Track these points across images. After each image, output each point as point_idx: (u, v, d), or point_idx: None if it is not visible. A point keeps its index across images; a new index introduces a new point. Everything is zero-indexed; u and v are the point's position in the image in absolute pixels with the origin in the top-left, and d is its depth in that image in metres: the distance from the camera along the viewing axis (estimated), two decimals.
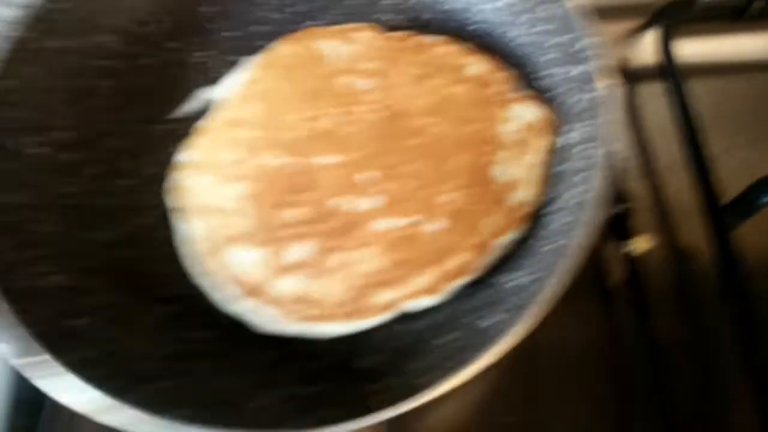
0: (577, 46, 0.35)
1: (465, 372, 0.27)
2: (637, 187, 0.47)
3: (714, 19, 0.53)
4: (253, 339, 0.34)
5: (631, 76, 0.53)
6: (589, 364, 0.41)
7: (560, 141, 0.37)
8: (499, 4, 0.41)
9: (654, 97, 0.51)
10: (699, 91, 0.51)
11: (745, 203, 0.41)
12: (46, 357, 0.30)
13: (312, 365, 0.33)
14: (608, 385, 0.40)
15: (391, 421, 0.27)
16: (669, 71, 0.49)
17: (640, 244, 0.42)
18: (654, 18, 0.53)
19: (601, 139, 0.32)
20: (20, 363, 0.29)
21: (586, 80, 0.35)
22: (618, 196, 0.42)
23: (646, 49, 0.54)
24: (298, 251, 0.33)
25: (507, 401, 0.39)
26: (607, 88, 0.33)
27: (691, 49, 0.52)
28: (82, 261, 0.36)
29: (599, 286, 0.43)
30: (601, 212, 0.30)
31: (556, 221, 0.34)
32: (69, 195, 0.38)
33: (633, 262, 0.42)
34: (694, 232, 0.45)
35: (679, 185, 0.47)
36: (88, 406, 0.28)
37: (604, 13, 0.56)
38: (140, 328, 0.34)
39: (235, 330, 0.34)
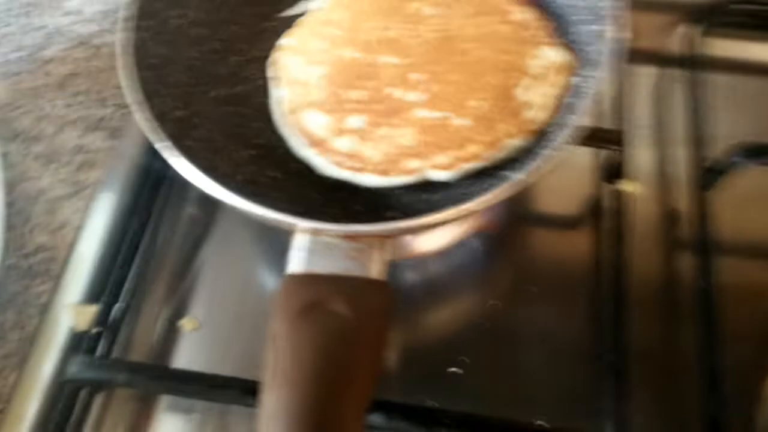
0: (602, 4, 0.45)
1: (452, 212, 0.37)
2: (642, 147, 0.56)
3: (746, 27, 0.61)
4: (312, 184, 0.46)
5: (664, 60, 0.62)
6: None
7: (575, 81, 0.46)
8: None
9: (679, 81, 0.60)
10: (718, 82, 0.59)
11: (718, 165, 0.49)
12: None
13: (353, 207, 0.44)
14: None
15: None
16: (691, 62, 0.58)
17: (629, 186, 0.51)
18: (691, 15, 0.61)
19: (598, 78, 0.42)
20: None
21: (602, 37, 0.44)
22: (615, 139, 0.51)
23: (681, 39, 0.62)
24: (354, 121, 0.44)
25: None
26: (615, 40, 0.42)
27: (719, 46, 0.60)
28: (196, 106, 0.48)
29: (594, 220, 0.53)
30: (578, 129, 0.40)
31: (556, 137, 0.44)
32: (193, 58, 0.50)
33: (620, 200, 0.51)
34: (682, 194, 0.53)
35: (679, 155, 0.56)
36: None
37: (651, 6, 0.65)
38: (228, 158, 0.46)
39: (300, 174, 0.46)
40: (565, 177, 0.55)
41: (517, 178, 0.38)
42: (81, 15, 0.66)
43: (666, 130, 0.58)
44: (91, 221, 0.54)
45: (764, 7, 0.62)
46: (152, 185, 0.55)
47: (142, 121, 0.41)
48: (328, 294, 0.34)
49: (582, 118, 0.41)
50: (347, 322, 0.33)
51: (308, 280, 0.36)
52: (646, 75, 0.61)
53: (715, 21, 0.61)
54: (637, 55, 0.61)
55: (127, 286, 0.52)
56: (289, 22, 0.52)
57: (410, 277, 0.53)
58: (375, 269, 0.37)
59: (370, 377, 0.35)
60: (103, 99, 0.61)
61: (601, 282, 0.49)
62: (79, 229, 0.54)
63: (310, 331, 0.33)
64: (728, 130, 0.56)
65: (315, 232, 0.37)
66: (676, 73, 0.60)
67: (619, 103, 0.55)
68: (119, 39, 0.44)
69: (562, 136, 0.42)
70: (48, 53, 0.64)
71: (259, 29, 0.53)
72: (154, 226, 0.55)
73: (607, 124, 0.55)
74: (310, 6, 0.53)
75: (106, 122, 0.59)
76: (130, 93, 0.42)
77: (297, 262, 0.37)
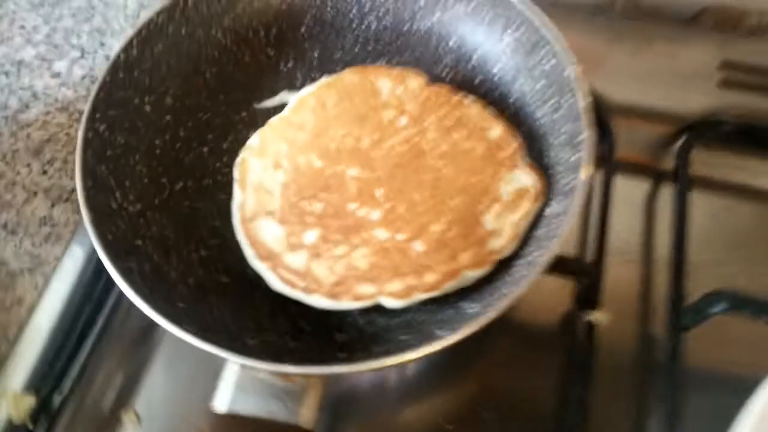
0: (580, 137, 0.42)
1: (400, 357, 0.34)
2: (621, 268, 0.53)
3: (737, 144, 0.58)
4: (262, 293, 0.43)
5: (656, 174, 0.59)
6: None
7: (547, 211, 0.44)
8: (537, 86, 0.49)
9: (669, 197, 0.57)
10: (703, 203, 0.56)
11: (697, 310, 0.46)
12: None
13: (301, 324, 0.42)
14: None
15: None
16: (679, 178, 0.55)
17: (600, 316, 0.48)
18: (684, 128, 0.59)
19: (569, 216, 0.39)
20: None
21: (578, 167, 0.42)
22: (583, 270, 0.48)
23: (676, 154, 0.59)
24: (310, 236, 0.42)
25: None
26: (585, 176, 0.40)
27: (708, 163, 0.58)
28: (151, 199, 0.46)
29: (565, 345, 0.50)
30: (540, 273, 0.37)
31: (518, 272, 0.41)
32: (159, 147, 0.49)
33: (591, 331, 0.48)
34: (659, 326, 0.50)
35: (659, 278, 0.53)
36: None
37: (648, 115, 0.63)
38: (178, 259, 0.44)
39: (252, 282, 0.44)
40: (545, 291, 0.53)
41: (476, 318, 0.35)
42: (70, 77, 0.66)
43: (650, 250, 0.55)
44: (45, 302, 0.53)
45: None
46: None
47: (89, 229, 0.40)
48: None
49: (550, 255, 0.39)
50: None
51: (227, 424, 0.33)
52: (637, 188, 0.59)
53: (711, 135, 0.59)
54: (630, 167, 0.59)
55: (70, 375, 0.50)
56: (263, 116, 0.51)
57: (364, 384, 0.50)
58: (304, 414, 0.35)
59: None
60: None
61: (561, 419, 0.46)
62: (31, 309, 0.52)
63: None
64: (714, 255, 0.53)
65: (244, 367, 0.35)
66: (668, 189, 0.58)
67: (600, 228, 0.52)
68: (80, 134, 0.43)
69: (528, 274, 0.39)
70: (30, 116, 0.63)
71: (232, 120, 0.51)
72: (108, 314, 0.53)
73: (585, 243, 0.53)
74: (288, 99, 0.52)
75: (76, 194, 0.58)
76: (79, 194, 0.41)
77: (222, 397, 0.35)
